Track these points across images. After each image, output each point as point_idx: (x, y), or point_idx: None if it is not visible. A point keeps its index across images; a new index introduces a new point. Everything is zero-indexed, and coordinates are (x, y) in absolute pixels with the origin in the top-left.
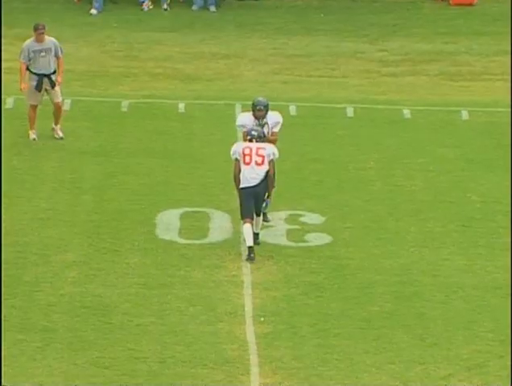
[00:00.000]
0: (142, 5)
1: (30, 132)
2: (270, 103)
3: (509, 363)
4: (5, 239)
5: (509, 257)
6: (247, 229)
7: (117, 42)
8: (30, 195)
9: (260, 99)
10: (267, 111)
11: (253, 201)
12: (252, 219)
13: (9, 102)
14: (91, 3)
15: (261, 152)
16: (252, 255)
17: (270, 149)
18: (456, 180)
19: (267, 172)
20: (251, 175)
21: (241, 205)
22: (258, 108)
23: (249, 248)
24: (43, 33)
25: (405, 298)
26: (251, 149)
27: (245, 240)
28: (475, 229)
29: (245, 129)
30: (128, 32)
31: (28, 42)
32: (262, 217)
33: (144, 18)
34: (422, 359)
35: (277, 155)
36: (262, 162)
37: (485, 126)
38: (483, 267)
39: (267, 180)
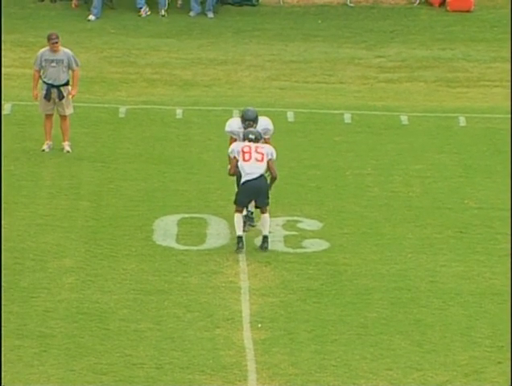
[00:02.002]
0: (139, 11)
1: (44, 142)
2: (267, 109)
3: (509, 368)
4: (2, 245)
5: (508, 263)
6: (238, 218)
7: (115, 48)
8: (28, 200)
9: (249, 111)
10: (257, 123)
11: (253, 197)
12: (244, 209)
13: (6, 108)
14: (89, 9)
15: (260, 150)
16: (240, 244)
17: (268, 149)
18: (454, 186)
19: (266, 169)
20: (252, 170)
21: (237, 194)
22: (247, 123)
23: (239, 237)
24: (56, 43)
25: (402, 304)
26: (250, 148)
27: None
28: (472, 235)
29: (234, 136)
30: (126, 38)
31: (43, 50)
32: (268, 215)
33: (142, 24)
34: (419, 366)
35: (274, 156)
36: (262, 159)
37: (482, 132)
38: (480, 273)
39: (270, 179)
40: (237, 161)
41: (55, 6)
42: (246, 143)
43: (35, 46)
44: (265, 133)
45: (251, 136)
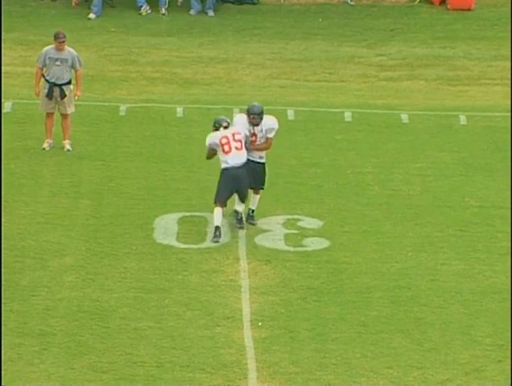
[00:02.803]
0: (140, 9)
1: (45, 140)
2: (268, 107)
3: (509, 367)
4: (3, 243)
5: (508, 262)
6: (217, 212)
7: (116, 46)
8: (28, 199)
9: (255, 106)
10: (262, 118)
11: (235, 186)
12: (224, 205)
13: (7, 106)
14: (89, 7)
15: (237, 137)
16: (218, 233)
17: (243, 132)
18: (454, 185)
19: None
20: (234, 162)
21: (218, 188)
22: (252, 116)
23: (216, 227)
24: (63, 42)
25: (402, 303)
26: (228, 138)
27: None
28: (473, 234)
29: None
30: (126, 36)
31: (48, 48)
32: (258, 196)
33: (142, 22)
34: (420, 364)
35: (248, 133)
36: (241, 146)
37: (483, 131)
38: (481, 272)
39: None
40: (216, 151)
41: (56, 4)
42: (222, 134)
43: (35, 44)
44: (269, 132)
45: (225, 123)
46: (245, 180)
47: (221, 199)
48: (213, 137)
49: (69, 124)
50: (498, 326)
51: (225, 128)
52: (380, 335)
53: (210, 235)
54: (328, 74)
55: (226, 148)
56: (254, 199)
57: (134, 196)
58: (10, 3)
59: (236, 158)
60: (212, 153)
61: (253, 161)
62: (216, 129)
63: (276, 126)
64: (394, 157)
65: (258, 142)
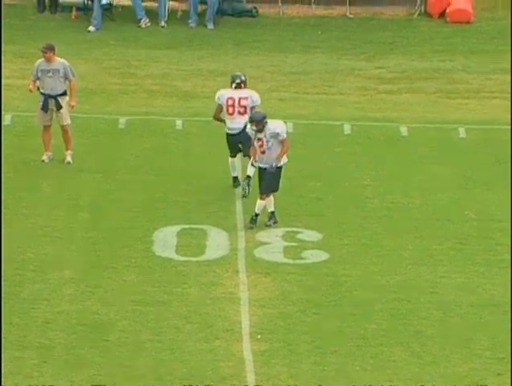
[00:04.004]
0: (139, 22)
1: (44, 153)
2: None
3: (509, 380)
4: (2, 256)
5: (508, 275)
6: (232, 162)
7: (115, 59)
8: (28, 212)
9: (256, 113)
10: (264, 124)
11: (238, 146)
12: (236, 155)
13: (6, 119)
14: (89, 20)
15: (243, 102)
16: (236, 184)
17: (250, 98)
18: (454, 198)
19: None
20: (232, 125)
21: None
22: (251, 124)
23: (234, 178)
24: (45, 52)
25: (402, 316)
26: (234, 100)
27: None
28: (472, 247)
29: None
30: (125, 49)
31: (40, 61)
32: (263, 202)
33: (142, 35)
34: (419, 377)
35: (258, 103)
36: (245, 111)
37: (482, 144)
38: (480, 285)
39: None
40: (222, 108)
41: (55, 17)
42: (231, 94)
43: (34, 57)
44: (274, 136)
45: (240, 78)
46: (246, 141)
47: (232, 152)
48: (222, 95)
49: (70, 135)
50: (498, 340)
51: (236, 87)
52: (379, 348)
53: (209, 248)
54: (328, 87)
55: (230, 110)
56: (259, 205)
57: (133, 209)
58: (10, 16)
59: (235, 122)
60: (219, 110)
61: (265, 168)
62: (231, 84)
63: (279, 130)
64: (393, 170)
65: (265, 147)
